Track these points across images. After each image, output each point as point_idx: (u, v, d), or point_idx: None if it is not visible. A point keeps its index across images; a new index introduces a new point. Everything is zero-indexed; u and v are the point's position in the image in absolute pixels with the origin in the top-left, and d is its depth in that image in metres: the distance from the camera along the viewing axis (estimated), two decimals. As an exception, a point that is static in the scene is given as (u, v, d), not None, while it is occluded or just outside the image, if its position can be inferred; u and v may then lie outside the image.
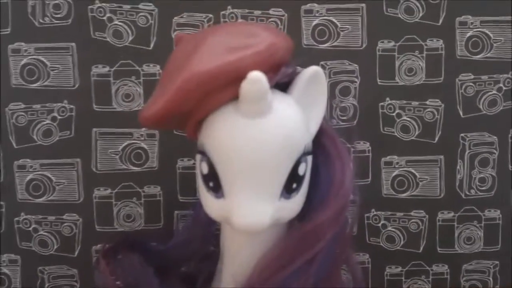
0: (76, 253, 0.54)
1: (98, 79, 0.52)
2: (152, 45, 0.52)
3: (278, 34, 0.37)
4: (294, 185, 0.34)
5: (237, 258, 0.37)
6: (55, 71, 0.52)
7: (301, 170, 0.34)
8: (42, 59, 0.51)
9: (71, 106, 0.52)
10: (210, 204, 0.35)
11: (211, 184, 0.34)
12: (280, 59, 0.35)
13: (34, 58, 0.51)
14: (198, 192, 0.37)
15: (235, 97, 0.33)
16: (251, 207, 0.33)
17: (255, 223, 0.33)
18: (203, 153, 0.34)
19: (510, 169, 0.54)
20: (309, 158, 0.35)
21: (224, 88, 0.33)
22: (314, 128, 0.37)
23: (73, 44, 0.51)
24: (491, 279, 0.56)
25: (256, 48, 0.33)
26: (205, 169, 0.34)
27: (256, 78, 0.31)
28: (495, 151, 0.54)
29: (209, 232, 0.48)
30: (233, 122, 0.33)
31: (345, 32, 0.52)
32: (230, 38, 0.34)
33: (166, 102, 0.33)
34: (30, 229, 0.53)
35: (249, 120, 0.32)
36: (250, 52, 0.33)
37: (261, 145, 0.32)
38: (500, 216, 0.55)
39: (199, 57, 0.33)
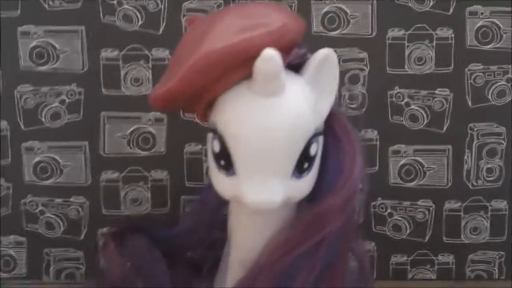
0: (82, 236, 0.54)
1: (107, 63, 0.52)
2: (161, 29, 0.51)
3: (291, 15, 0.36)
4: (306, 165, 0.34)
5: (245, 241, 0.37)
6: (64, 54, 0.52)
7: (312, 150, 0.34)
8: (52, 42, 0.51)
9: (80, 89, 0.52)
10: (221, 183, 0.35)
11: (222, 162, 0.34)
12: (292, 39, 0.35)
13: (43, 41, 0.51)
14: (208, 172, 0.37)
15: (248, 77, 0.33)
16: (262, 185, 0.33)
17: (266, 201, 0.33)
18: (215, 132, 0.34)
19: (518, 160, 0.54)
20: (320, 139, 0.35)
21: (236, 67, 0.33)
22: (325, 110, 0.37)
23: (83, 27, 0.51)
24: (496, 269, 0.56)
25: (269, 28, 0.33)
26: (216, 147, 0.34)
27: (271, 56, 0.31)
28: (503, 142, 0.54)
29: (216, 218, 0.47)
30: (246, 101, 0.33)
31: (355, 19, 0.52)
32: (242, 19, 0.34)
33: (178, 81, 0.33)
34: (37, 211, 0.53)
35: (262, 99, 0.32)
36: (263, 31, 0.33)
37: (274, 124, 0.32)
38: (507, 207, 0.55)
39: (211, 37, 0.33)
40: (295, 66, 0.36)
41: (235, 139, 0.33)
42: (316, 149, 0.35)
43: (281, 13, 0.36)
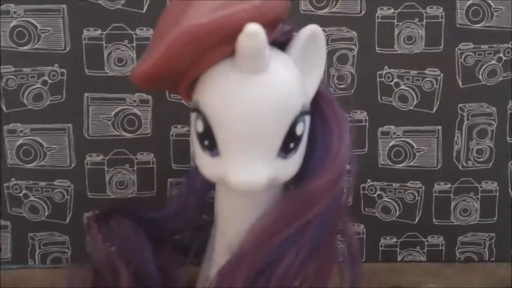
0: (68, 219, 0.53)
1: (90, 42, 0.50)
2: (145, 8, 0.50)
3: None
4: (292, 145, 0.33)
5: (231, 223, 0.37)
6: (45, 34, 0.50)
7: (298, 129, 0.33)
8: (33, 21, 0.50)
9: (62, 70, 0.51)
10: (205, 164, 0.34)
11: (206, 142, 0.33)
12: (276, 15, 0.33)
13: (24, 20, 0.50)
14: (193, 153, 0.36)
15: (231, 54, 0.32)
16: (247, 165, 0.32)
17: (251, 182, 0.32)
18: (198, 111, 0.33)
19: (509, 141, 0.54)
20: (307, 118, 0.34)
21: (218, 44, 0.32)
22: (312, 89, 0.36)
23: (64, 6, 0.50)
24: (486, 251, 0.55)
25: (252, 2, 0.32)
26: (200, 127, 0.33)
27: (254, 31, 0.30)
28: (493, 123, 0.54)
29: (204, 201, 0.47)
30: (229, 79, 0.32)
31: (344, -2, 0.51)
32: (224, -7, 0.33)
33: (157, 59, 0.32)
34: (21, 195, 0.52)
35: (246, 76, 0.31)
36: (246, 6, 0.31)
37: (258, 102, 0.31)
38: (497, 188, 0.54)
39: (192, 13, 0.32)
40: (281, 44, 0.35)
41: (218, 118, 0.32)
42: (302, 128, 0.34)
43: (266, -13, 0.34)
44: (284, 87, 0.32)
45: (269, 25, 0.33)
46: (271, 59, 0.32)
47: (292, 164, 0.34)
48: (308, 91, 0.35)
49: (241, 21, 0.31)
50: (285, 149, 0.33)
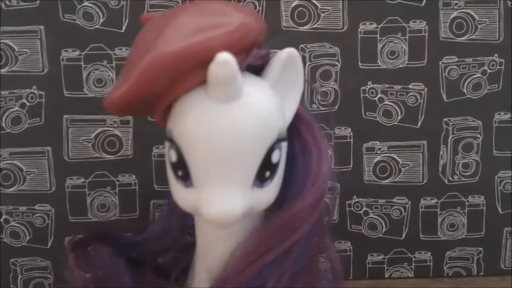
0: (49, 244, 0.52)
1: (68, 63, 0.50)
2: (124, 27, 0.49)
3: (250, 14, 0.35)
4: (267, 174, 0.32)
5: (211, 251, 0.36)
6: (23, 56, 0.49)
7: (274, 157, 0.32)
8: (9, 43, 0.49)
9: (41, 92, 0.50)
10: (180, 194, 0.33)
11: (180, 173, 0.32)
12: (252, 40, 0.33)
13: (1, 42, 0.49)
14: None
15: (205, 81, 0.31)
16: (221, 197, 0.31)
17: (226, 214, 0.31)
18: (171, 140, 0.32)
19: (495, 154, 0.53)
20: (284, 145, 0.34)
21: (192, 70, 0.31)
22: (289, 114, 0.35)
23: (42, 27, 0.49)
24: (475, 266, 0.55)
25: (227, 28, 0.31)
26: (173, 157, 0.32)
27: (225, 60, 0.29)
28: (479, 136, 0.53)
29: (187, 222, 0.46)
30: (201, 107, 0.31)
31: (325, 13, 0.50)
32: (200, 17, 0.32)
33: (131, 86, 0.31)
34: (1, 220, 0.51)
35: (219, 104, 0.31)
36: (220, 32, 0.31)
37: (231, 131, 0.30)
38: (484, 202, 0.54)
39: (166, 38, 0.31)
40: (257, 68, 0.35)
41: (190, 147, 0.31)
42: (278, 156, 0.33)
43: (240, 11, 0.34)
44: (258, 115, 0.31)
45: (245, 50, 0.33)
46: (245, 85, 0.31)
47: (269, 192, 0.33)
48: (285, 116, 0.35)
49: (215, 48, 0.30)
50: (261, 178, 0.32)
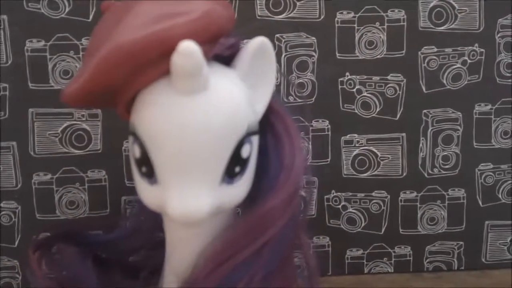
0: (16, 243, 0.50)
1: (33, 54, 0.48)
2: (91, 16, 0.48)
3: (217, 1, 0.33)
4: (237, 169, 0.31)
5: (178, 251, 0.34)
6: (-15, 47, 0.47)
7: (244, 152, 0.31)
8: (-29, 33, 0.47)
9: (4, 85, 0.48)
10: (144, 191, 0.31)
11: (144, 169, 0.31)
12: (218, 28, 0.31)
13: (-38, 33, 0.47)
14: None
15: (169, 72, 0.29)
16: (187, 194, 0.29)
17: (192, 213, 0.29)
18: (135, 135, 0.30)
19: (475, 147, 0.52)
20: (255, 139, 0.32)
21: (155, 61, 0.29)
22: (261, 107, 0.33)
23: (5, 16, 0.47)
24: (455, 260, 0.54)
25: (190, 16, 0.29)
26: (137, 152, 0.30)
27: (188, 49, 0.27)
28: (459, 128, 0.52)
29: (159, 218, 0.44)
30: (165, 100, 0.29)
31: (301, 2, 0.49)
32: (162, 5, 0.30)
33: (89, 77, 0.29)
34: (-36, 218, 0.49)
35: (183, 97, 0.29)
36: (183, 20, 0.29)
37: (197, 125, 0.29)
38: (465, 195, 0.53)
39: (125, 27, 0.29)
40: (226, 58, 0.33)
41: (153, 143, 0.29)
42: (249, 150, 0.31)
43: (206, -2, 0.32)
44: (226, 108, 0.30)
45: (210, 40, 0.31)
46: (212, 77, 0.30)
47: (239, 189, 0.32)
48: (258, 107, 0.33)
49: (179, 36, 0.28)
50: (230, 174, 0.31)
